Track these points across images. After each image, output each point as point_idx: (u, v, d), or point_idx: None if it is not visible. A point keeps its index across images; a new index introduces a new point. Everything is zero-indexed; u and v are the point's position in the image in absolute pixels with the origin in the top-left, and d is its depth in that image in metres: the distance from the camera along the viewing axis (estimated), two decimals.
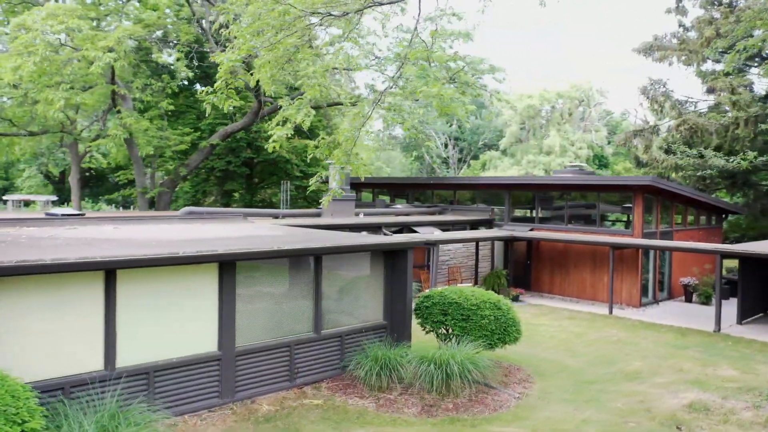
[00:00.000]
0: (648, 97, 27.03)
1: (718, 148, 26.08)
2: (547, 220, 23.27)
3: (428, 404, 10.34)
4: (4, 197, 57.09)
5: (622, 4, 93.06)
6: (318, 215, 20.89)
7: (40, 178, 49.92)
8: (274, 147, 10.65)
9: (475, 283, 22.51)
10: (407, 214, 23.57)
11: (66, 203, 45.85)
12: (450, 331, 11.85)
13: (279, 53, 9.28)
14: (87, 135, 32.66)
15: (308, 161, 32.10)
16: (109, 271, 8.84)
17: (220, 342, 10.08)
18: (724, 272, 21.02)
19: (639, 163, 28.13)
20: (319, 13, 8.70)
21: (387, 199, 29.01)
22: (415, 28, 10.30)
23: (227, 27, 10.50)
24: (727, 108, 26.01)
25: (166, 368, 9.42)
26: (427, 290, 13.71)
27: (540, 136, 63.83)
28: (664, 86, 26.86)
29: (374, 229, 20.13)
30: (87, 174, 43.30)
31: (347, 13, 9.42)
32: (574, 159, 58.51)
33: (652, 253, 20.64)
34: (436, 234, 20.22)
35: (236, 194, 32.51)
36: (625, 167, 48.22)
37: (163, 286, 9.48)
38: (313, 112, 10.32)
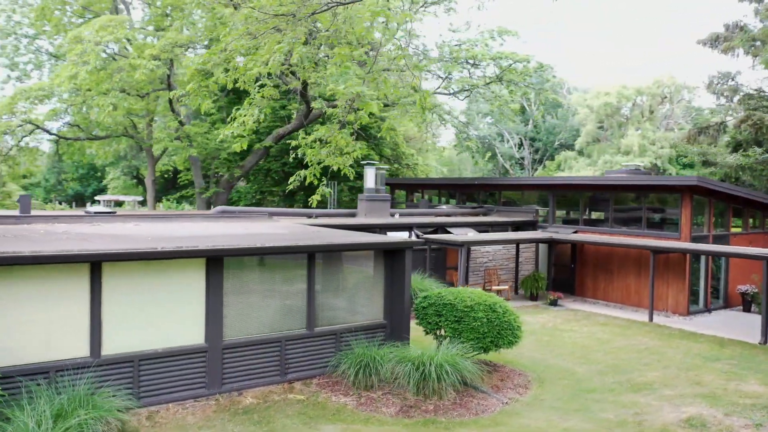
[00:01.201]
0: (714, 92, 25.24)
1: None
2: (592, 222, 22.32)
3: (408, 405, 10.27)
4: (96, 197, 61.69)
5: None
6: (352, 215, 21.13)
7: (124, 180, 53.36)
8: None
9: (515, 286, 21.96)
10: (448, 215, 23.36)
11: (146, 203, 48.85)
12: (444, 332, 11.69)
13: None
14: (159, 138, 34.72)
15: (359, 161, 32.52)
16: (95, 264, 9.44)
17: (206, 335, 10.49)
18: None
19: (705, 163, 26.34)
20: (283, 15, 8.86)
21: (438, 200, 28.82)
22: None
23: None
24: None
25: (151, 358, 9.93)
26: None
27: (619, 135, 61.17)
28: (732, 79, 24.98)
29: (405, 229, 20.12)
30: (166, 176, 45.89)
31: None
32: (655, 159, 55.63)
33: (703, 257, 19.32)
34: (470, 235, 19.92)
35: (296, 195, 33.42)
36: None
37: (150, 280, 9.99)
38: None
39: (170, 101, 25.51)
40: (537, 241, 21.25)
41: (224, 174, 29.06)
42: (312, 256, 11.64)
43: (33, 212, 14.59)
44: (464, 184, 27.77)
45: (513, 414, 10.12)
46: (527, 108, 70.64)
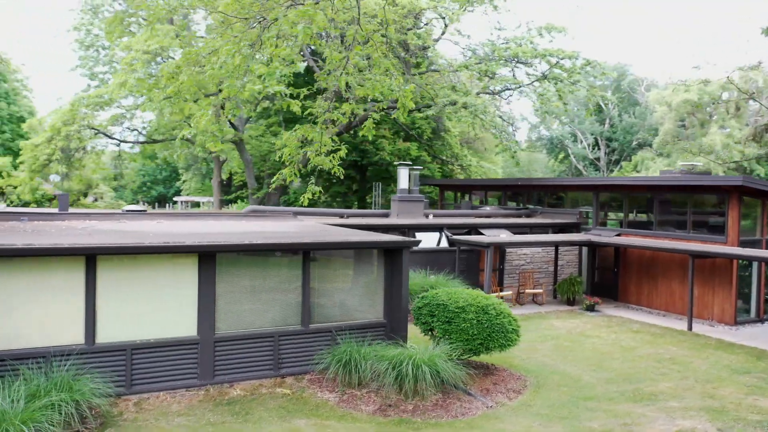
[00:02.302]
0: None
1: None
2: (636, 225, 21.23)
3: (388, 404, 10.24)
4: (175, 198, 65.11)
5: None
6: (385, 216, 21.20)
7: (197, 181, 55.94)
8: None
9: (554, 290, 21.25)
10: (488, 216, 22.95)
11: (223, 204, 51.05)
12: (435, 332, 11.56)
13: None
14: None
15: (411, 162, 32.53)
16: (89, 257, 10.08)
17: (199, 327, 10.92)
18: None
19: None
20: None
21: (485, 201, 28.36)
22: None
23: None
24: None
25: (144, 347, 10.46)
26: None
27: (701, 134, 57.72)
28: None
29: (435, 230, 19.97)
30: (230, 177, 47.75)
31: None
32: (741, 158, 52.00)
33: (755, 263, 17.94)
34: (502, 236, 19.49)
35: (344, 197, 33.93)
36: None
37: (144, 273, 10.53)
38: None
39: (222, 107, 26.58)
40: (573, 244, 20.48)
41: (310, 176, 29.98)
42: (307, 254, 11.84)
43: (72, 210, 15.74)
44: (508, 185, 27.17)
45: (493, 418, 9.86)
46: (603, 107, 68.04)
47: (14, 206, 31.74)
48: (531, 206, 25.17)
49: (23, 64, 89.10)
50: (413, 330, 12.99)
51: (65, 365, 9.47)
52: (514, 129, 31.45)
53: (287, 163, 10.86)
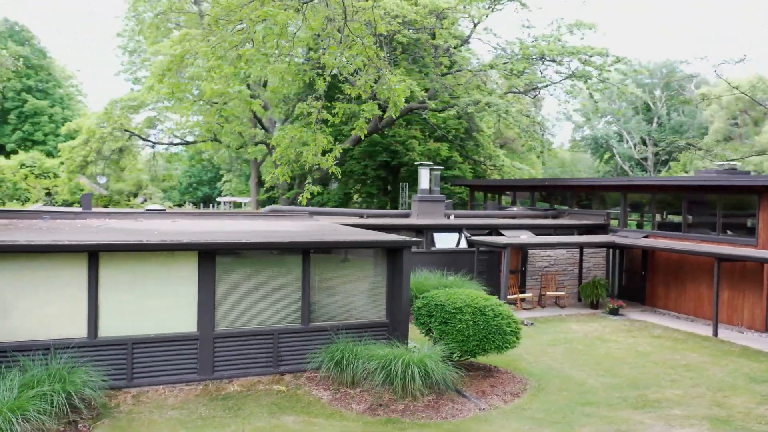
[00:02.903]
0: None
1: None
2: (665, 227, 20.51)
3: (379, 403, 10.23)
4: (218, 199, 66.64)
5: None
6: (406, 216, 21.15)
7: (240, 182, 57.10)
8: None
9: (579, 292, 20.74)
10: (513, 217, 22.60)
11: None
12: (433, 333, 11.48)
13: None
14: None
15: (441, 163, 32.37)
16: (92, 254, 10.45)
17: (198, 323, 11.17)
18: None
19: None
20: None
21: (528, 201, 27.90)
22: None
23: None
24: None
25: (144, 342, 10.77)
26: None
27: (754, 132, 55.29)
28: None
29: (454, 230, 19.80)
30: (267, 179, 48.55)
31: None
32: None
33: None
34: (522, 237, 19.17)
35: (374, 198, 34.03)
36: None
37: (145, 270, 10.84)
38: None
39: (254, 112, 27.15)
40: (595, 245, 19.96)
41: (307, 176, 30.28)
42: (306, 253, 11.95)
43: (101, 209, 16.36)
44: (536, 185, 26.66)
45: (482, 421, 9.72)
46: (652, 106, 65.99)
47: (58, 206, 33.13)
48: (559, 207, 24.64)
49: (78, 70, 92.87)
50: (417, 330, 12.93)
51: (67, 358, 9.85)
52: (544, 129, 30.81)
53: (278, 163, 10.96)
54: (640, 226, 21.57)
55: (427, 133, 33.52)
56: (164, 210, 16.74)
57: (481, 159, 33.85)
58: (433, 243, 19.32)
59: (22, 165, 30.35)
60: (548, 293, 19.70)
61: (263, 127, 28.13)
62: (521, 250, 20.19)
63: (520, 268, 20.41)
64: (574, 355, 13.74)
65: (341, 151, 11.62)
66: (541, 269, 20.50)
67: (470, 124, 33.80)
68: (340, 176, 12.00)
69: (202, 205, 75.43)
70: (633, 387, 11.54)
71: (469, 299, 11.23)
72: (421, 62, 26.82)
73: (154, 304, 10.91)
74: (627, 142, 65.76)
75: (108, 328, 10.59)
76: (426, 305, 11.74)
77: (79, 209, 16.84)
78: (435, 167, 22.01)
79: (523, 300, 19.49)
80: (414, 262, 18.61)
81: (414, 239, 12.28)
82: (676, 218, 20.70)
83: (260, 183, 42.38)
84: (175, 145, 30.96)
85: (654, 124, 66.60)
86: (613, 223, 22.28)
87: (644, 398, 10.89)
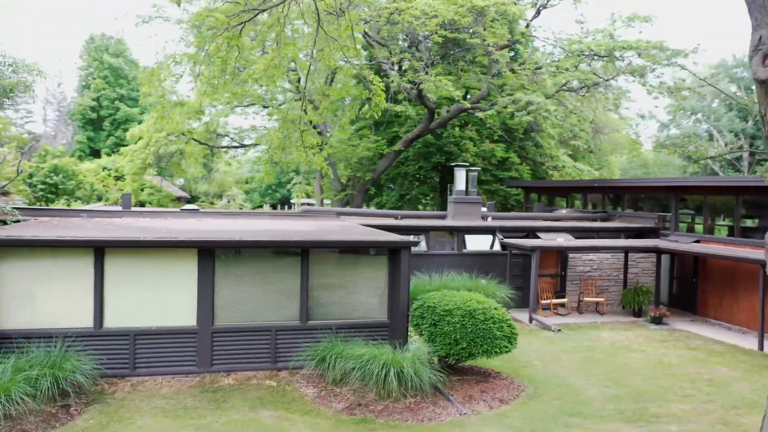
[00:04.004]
0: None
1: None
2: (719, 230, 19.08)
3: (359, 403, 10.25)
4: (292, 201, 68.53)
5: None
6: (442, 217, 20.93)
7: (301, 185, 58.53)
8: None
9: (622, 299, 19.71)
10: (556, 219, 21.83)
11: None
12: (423, 335, 11.35)
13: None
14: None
15: (498, 164, 31.75)
16: (98, 249, 11.17)
17: (198, 318, 11.65)
18: None
19: None
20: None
21: (577, 203, 26.89)
22: None
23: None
24: None
25: (145, 334, 11.37)
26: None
27: None
28: None
29: (487, 232, 19.40)
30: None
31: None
32: None
33: None
34: (559, 240, 18.48)
35: (428, 198, 33.90)
36: None
37: (148, 265, 11.45)
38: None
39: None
40: (639, 250, 18.89)
41: (360, 178, 30.65)
42: (305, 252, 12.16)
43: (133, 209, 17.39)
44: (587, 186, 25.53)
45: (457, 426, 9.51)
46: (746, 101, 61.43)
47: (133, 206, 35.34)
48: (611, 209, 23.51)
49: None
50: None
51: (72, 346, 10.60)
52: (600, 128, 29.46)
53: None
54: (691, 230, 20.19)
55: (484, 134, 32.98)
56: (198, 210, 17.56)
57: (542, 160, 32.87)
58: (464, 245, 19.02)
59: (103, 168, 32.79)
60: (587, 299, 18.86)
61: (318, 131, 28.75)
62: (561, 253, 19.48)
63: (559, 272, 19.69)
64: (588, 364, 13.11)
65: (330, 151, 11.74)
66: (582, 274, 19.67)
67: (530, 124, 32.94)
68: (329, 173, 12.12)
69: (279, 206, 78.01)
70: (635, 399, 10.87)
71: (461, 302, 11.01)
72: (460, 63, 26.41)
73: (156, 298, 11.49)
74: (717, 140, 61.59)
75: (112, 320, 11.28)
76: (420, 307, 11.63)
77: (114, 208, 17.99)
78: (471, 168, 21.66)
79: (561, 305, 18.79)
80: (443, 264, 18.44)
81: (411, 240, 12.19)
82: (727, 221, 19.24)
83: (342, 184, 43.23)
84: (233, 148, 32.29)
85: (750, 122, 61.99)
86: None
87: (642, 412, 10.25)
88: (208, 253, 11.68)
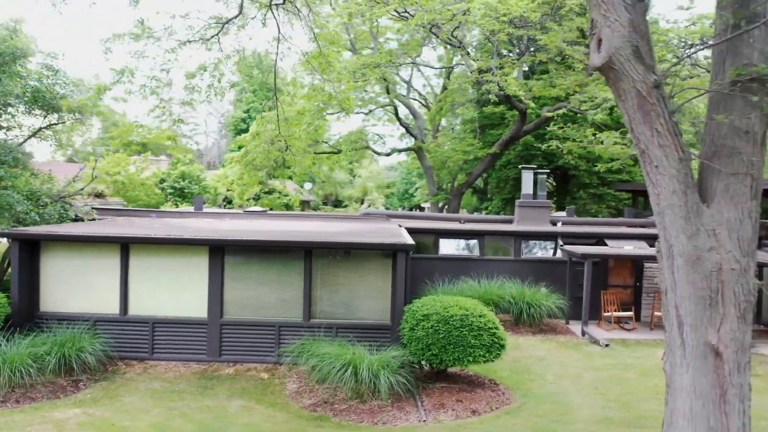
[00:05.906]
0: None
1: None
2: None
3: (326, 401, 10.44)
4: (423, 204, 69.11)
5: None
6: (509, 222, 20.10)
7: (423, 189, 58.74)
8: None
9: None
10: (642, 226, 19.98)
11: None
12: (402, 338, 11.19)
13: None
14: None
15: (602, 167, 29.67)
16: (124, 245, 12.56)
17: (208, 311, 12.59)
18: None
19: None
20: None
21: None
22: None
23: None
24: None
25: (162, 322, 12.56)
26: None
27: None
28: None
29: (548, 238, 18.33)
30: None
31: None
32: None
33: None
34: (626, 249, 16.94)
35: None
36: None
37: (167, 260, 12.64)
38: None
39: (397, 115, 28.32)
40: None
41: (458, 181, 30.38)
42: (309, 252, 12.59)
43: (205, 210, 19.05)
44: None
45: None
46: None
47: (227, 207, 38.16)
48: None
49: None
50: None
51: (102, 330, 12.08)
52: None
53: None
54: None
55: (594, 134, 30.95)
56: (265, 211, 18.75)
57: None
58: (522, 251, 18.19)
59: (225, 176, 36.02)
60: (658, 314, 17.03)
61: (411, 134, 29.06)
62: (635, 263, 17.84)
63: (633, 283, 18.03)
64: (608, 384, 11.97)
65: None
66: (658, 286, 17.80)
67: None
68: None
69: (415, 210, 79.31)
70: (628, 425, 9.77)
71: (440, 307, 10.71)
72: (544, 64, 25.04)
73: (173, 291, 12.63)
74: None
75: (135, 308, 12.61)
76: (407, 310, 11.49)
77: (186, 209, 19.77)
78: (540, 171, 20.57)
79: (626, 319, 17.20)
80: (498, 270, 17.85)
81: (408, 243, 12.08)
82: None
83: (439, 188, 43.31)
84: (331, 153, 33.60)
85: None
86: None
87: (634, 426, 9.22)
88: (218, 251, 12.57)
